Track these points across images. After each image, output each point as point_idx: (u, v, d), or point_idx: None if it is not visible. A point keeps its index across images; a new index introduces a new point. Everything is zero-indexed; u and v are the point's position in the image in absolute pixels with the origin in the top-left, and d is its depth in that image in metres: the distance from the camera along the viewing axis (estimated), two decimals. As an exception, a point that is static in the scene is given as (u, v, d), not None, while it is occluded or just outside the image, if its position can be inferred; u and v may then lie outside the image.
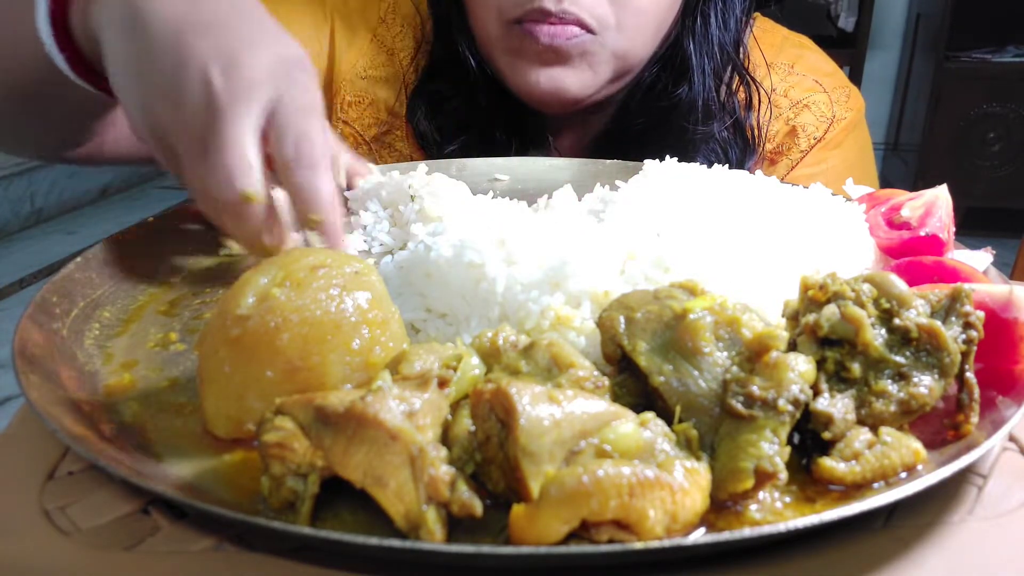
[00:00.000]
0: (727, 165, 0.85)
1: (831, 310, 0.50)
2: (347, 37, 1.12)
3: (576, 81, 0.98)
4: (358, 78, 1.12)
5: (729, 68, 1.07)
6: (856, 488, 0.46)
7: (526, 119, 1.10)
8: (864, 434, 0.47)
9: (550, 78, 0.97)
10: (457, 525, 0.43)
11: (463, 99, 1.08)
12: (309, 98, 0.66)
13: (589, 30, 0.94)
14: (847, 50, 4.00)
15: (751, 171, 0.82)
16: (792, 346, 0.50)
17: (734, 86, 1.08)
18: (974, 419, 0.50)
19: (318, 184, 0.64)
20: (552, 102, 1.01)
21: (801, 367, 0.46)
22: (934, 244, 0.70)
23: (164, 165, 0.70)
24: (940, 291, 0.53)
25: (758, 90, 1.08)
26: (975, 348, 0.51)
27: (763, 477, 0.44)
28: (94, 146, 0.96)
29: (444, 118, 1.09)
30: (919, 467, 0.47)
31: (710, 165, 0.83)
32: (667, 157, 0.84)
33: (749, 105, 1.09)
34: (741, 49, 1.08)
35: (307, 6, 1.12)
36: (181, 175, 0.67)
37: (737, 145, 1.07)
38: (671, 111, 1.05)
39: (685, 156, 0.98)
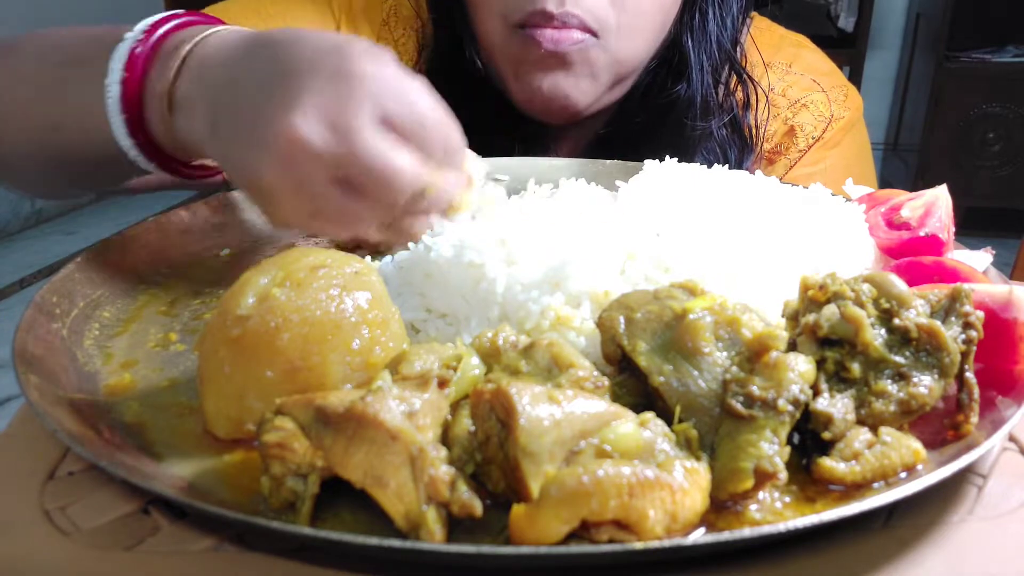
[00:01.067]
0: (726, 165, 0.84)
1: (831, 310, 0.50)
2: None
3: (577, 89, 0.98)
4: None
5: (727, 67, 1.07)
6: (856, 488, 0.46)
7: (526, 126, 1.10)
8: (864, 434, 0.47)
9: (552, 85, 0.97)
10: (457, 525, 0.43)
11: (462, 105, 1.08)
12: (402, 88, 0.67)
13: (592, 33, 0.94)
14: (847, 50, 3.99)
15: (751, 171, 0.82)
16: (792, 346, 0.50)
17: (732, 85, 1.08)
18: (974, 419, 0.50)
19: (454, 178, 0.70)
20: (554, 110, 1.01)
21: (801, 367, 0.46)
22: (934, 244, 0.70)
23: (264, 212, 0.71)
24: (940, 291, 0.53)
25: (756, 89, 1.08)
26: (975, 348, 0.51)
27: (763, 477, 0.44)
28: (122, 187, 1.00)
29: None
30: (919, 467, 0.47)
31: (710, 165, 0.83)
32: (666, 157, 0.84)
33: (747, 105, 1.09)
34: (738, 48, 1.08)
35: (314, 5, 1.12)
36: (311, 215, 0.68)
37: (735, 144, 1.07)
38: (669, 109, 1.05)
39: (684, 156, 0.98)
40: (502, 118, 1.07)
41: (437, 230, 0.70)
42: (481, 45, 1.04)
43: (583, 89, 0.99)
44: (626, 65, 1.01)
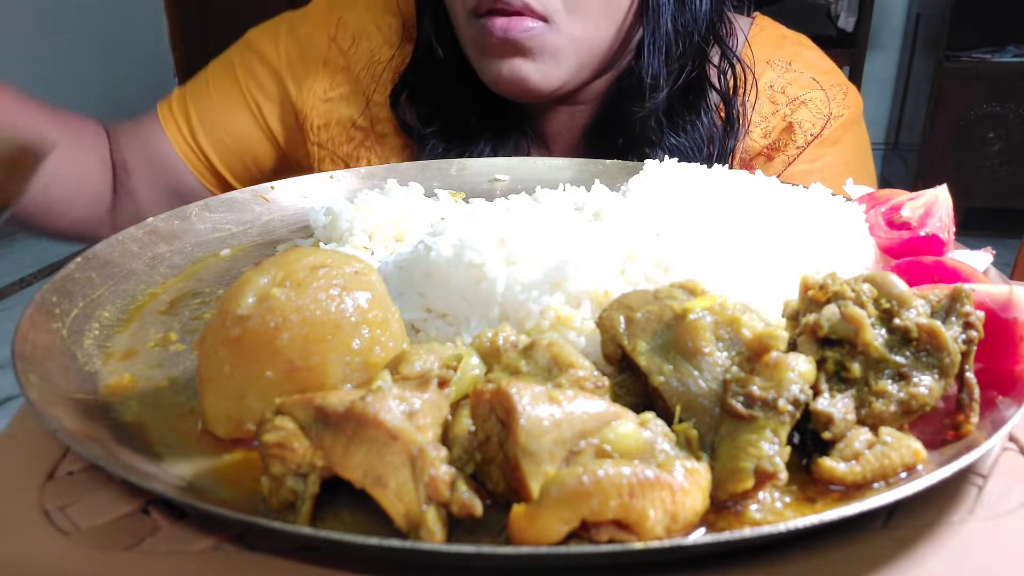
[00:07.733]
0: (713, 149, 0.84)
1: (831, 310, 0.50)
2: (301, 70, 1.17)
3: (537, 72, 1.00)
4: (320, 102, 1.17)
5: (709, 44, 1.07)
6: (856, 488, 0.46)
7: (507, 108, 1.11)
8: (864, 434, 0.47)
9: (511, 69, 0.99)
10: (457, 525, 0.43)
11: (444, 90, 1.11)
12: None
13: (541, 18, 0.96)
14: (847, 50, 4.00)
15: (751, 168, 0.82)
16: (792, 346, 0.50)
17: (722, 66, 1.08)
18: (974, 419, 0.50)
19: None
20: (517, 93, 1.03)
21: (801, 367, 0.46)
22: (934, 244, 0.70)
23: None
24: (940, 291, 0.53)
25: (744, 70, 1.09)
26: (975, 348, 0.51)
27: (763, 477, 0.44)
28: None
29: (426, 108, 1.12)
30: (919, 467, 0.47)
31: (700, 150, 0.83)
32: (662, 152, 0.84)
33: (735, 89, 1.09)
34: (725, 26, 1.08)
35: (263, 66, 1.17)
36: None
37: (719, 129, 1.08)
38: (628, 91, 1.05)
39: (668, 140, 0.98)
40: (481, 101, 1.10)
41: (437, 229, 0.70)
42: (457, 32, 1.06)
43: (543, 72, 1.00)
44: (592, 47, 1.02)
